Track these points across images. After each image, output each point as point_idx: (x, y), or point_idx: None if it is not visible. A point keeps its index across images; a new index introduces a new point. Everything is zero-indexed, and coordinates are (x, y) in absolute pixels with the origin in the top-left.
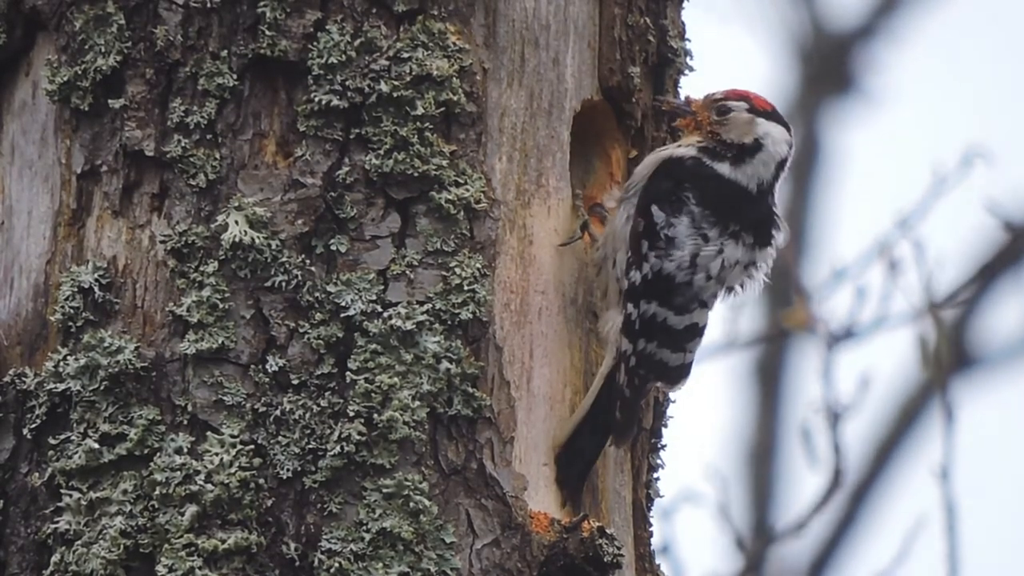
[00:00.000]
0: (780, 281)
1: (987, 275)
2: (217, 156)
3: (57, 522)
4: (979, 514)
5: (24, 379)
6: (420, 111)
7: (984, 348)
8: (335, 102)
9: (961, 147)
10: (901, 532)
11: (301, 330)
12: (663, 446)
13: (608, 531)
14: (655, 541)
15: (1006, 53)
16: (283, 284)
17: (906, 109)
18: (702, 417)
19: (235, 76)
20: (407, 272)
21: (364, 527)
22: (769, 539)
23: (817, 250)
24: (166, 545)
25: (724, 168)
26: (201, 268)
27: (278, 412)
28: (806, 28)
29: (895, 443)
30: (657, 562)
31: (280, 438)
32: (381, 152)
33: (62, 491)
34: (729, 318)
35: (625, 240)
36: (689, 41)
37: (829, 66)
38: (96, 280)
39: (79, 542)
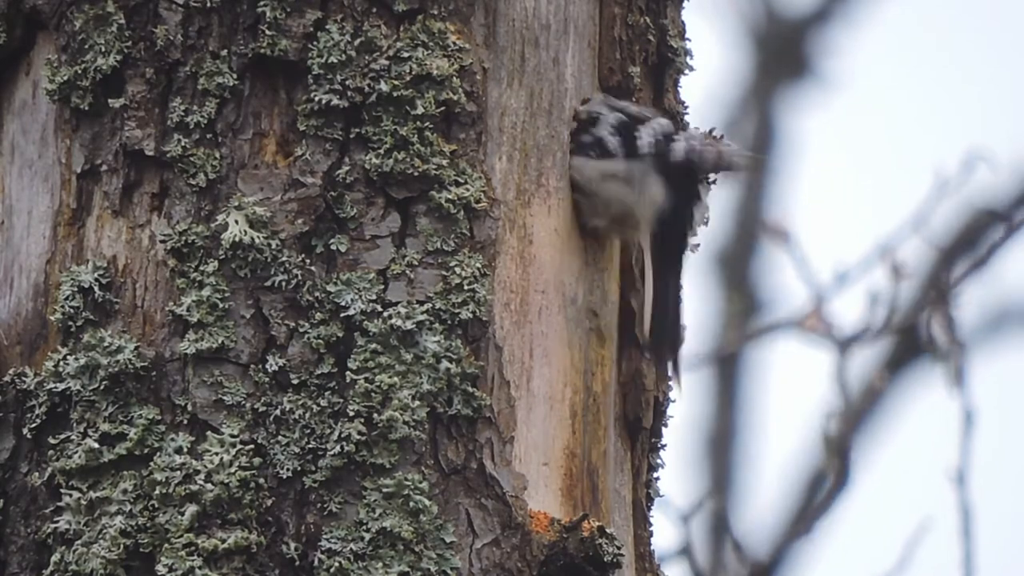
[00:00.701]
0: (739, 273)
1: (966, 257)
2: (217, 156)
3: (57, 522)
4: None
5: (24, 379)
6: (420, 110)
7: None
8: (335, 101)
9: (920, 130)
10: (902, 533)
11: (301, 330)
12: (663, 446)
13: (608, 530)
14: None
15: (965, 33)
16: (283, 284)
17: (862, 93)
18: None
19: (235, 76)
20: (407, 272)
21: (364, 527)
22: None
23: (771, 237)
24: (166, 545)
25: None
26: (201, 268)
27: (278, 412)
28: (760, 13)
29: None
30: (657, 562)
31: (280, 438)
32: (381, 152)
33: (62, 491)
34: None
35: None
36: (689, 40)
37: (784, 51)
38: (96, 280)
39: (79, 542)
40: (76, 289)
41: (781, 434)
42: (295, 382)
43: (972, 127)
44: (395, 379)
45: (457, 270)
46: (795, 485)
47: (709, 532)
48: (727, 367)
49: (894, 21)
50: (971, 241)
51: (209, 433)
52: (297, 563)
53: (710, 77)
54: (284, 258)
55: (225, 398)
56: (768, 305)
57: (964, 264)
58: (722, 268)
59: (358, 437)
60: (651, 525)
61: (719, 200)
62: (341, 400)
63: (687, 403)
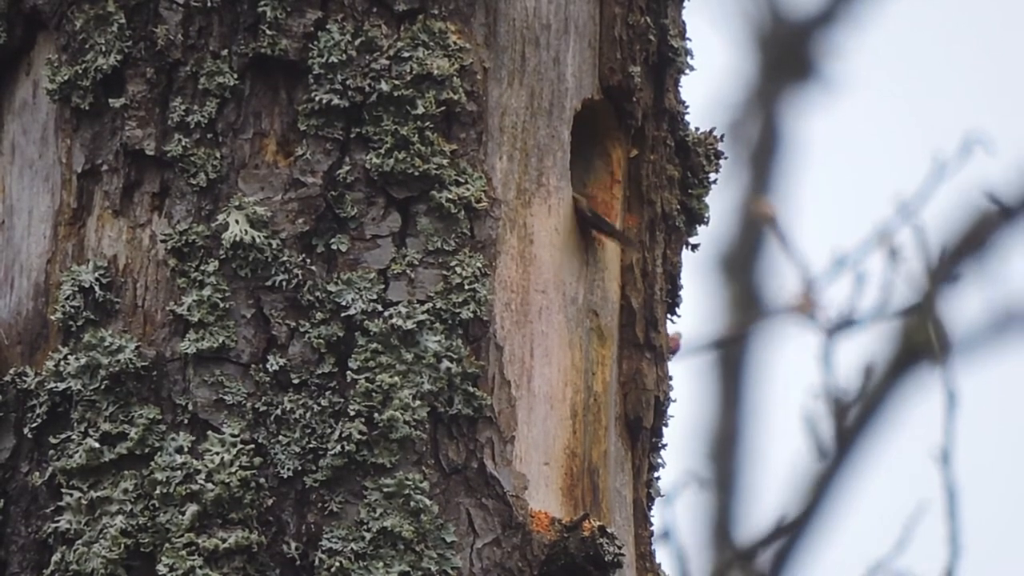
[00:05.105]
0: (743, 272)
1: (969, 254)
2: (218, 155)
3: (58, 521)
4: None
5: (24, 378)
6: (421, 110)
7: (962, 329)
8: (336, 101)
9: (930, 129)
10: (898, 517)
11: (302, 329)
12: (664, 445)
13: (609, 530)
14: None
15: (968, 33)
16: (283, 283)
17: (868, 95)
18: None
19: (236, 75)
20: (408, 271)
21: (365, 526)
22: (760, 532)
23: (775, 239)
24: (167, 544)
25: None
26: (202, 267)
27: (279, 411)
28: (764, 15)
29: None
30: (658, 561)
31: (281, 437)
32: (382, 151)
33: (63, 490)
34: (706, 317)
35: None
36: (690, 40)
37: (788, 53)
38: (97, 279)
39: (80, 541)
40: (77, 289)
41: (786, 428)
42: (296, 382)
43: (979, 118)
44: (396, 379)
45: (458, 270)
46: (800, 480)
47: (710, 530)
48: (731, 362)
49: (899, 22)
50: (975, 237)
51: (210, 433)
52: (298, 563)
53: (714, 79)
54: (285, 258)
55: (226, 398)
56: (769, 300)
57: (966, 258)
58: (725, 268)
59: (359, 437)
60: (652, 525)
61: (721, 200)
62: (342, 400)
63: (690, 400)
